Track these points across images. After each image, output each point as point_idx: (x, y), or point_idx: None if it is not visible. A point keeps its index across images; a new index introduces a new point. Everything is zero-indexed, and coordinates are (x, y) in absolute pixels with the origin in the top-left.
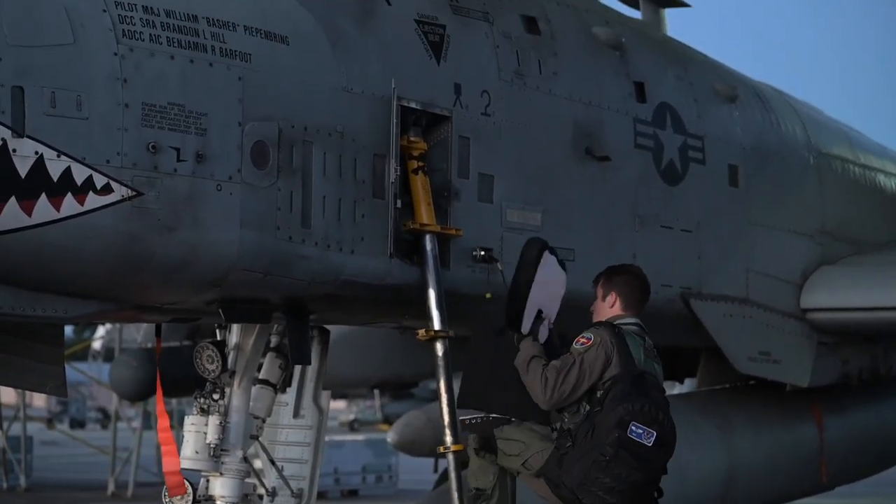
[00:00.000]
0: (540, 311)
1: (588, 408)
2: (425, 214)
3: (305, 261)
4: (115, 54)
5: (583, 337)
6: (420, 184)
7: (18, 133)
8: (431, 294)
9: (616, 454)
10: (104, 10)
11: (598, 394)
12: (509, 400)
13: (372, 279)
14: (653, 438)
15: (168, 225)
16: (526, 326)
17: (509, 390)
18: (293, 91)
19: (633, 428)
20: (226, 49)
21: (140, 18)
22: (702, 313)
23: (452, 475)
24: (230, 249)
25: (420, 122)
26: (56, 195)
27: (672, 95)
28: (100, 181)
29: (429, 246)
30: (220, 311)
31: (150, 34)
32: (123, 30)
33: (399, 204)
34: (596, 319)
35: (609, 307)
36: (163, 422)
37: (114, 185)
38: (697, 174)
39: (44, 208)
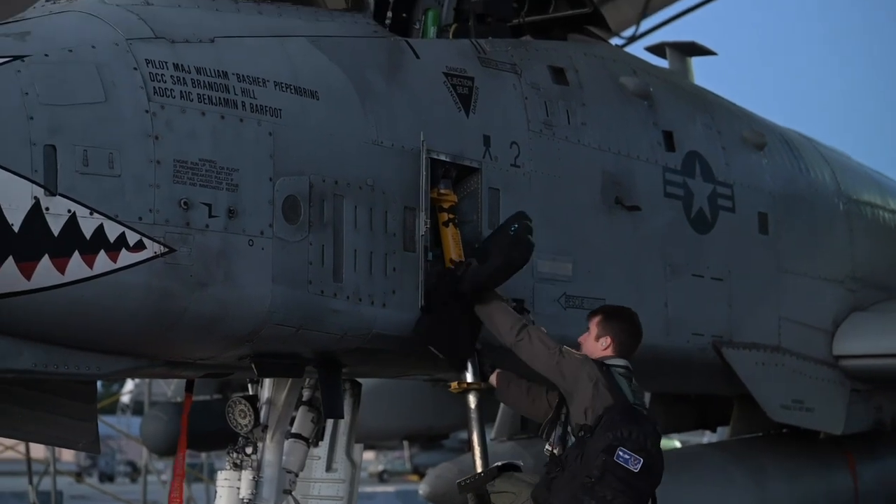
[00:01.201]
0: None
1: (579, 436)
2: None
3: (337, 314)
4: (147, 112)
5: (577, 352)
6: (451, 236)
7: (51, 191)
8: None
9: (602, 477)
10: (135, 68)
11: (590, 422)
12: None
13: (404, 332)
14: (640, 465)
15: (200, 281)
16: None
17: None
18: (323, 145)
19: (621, 453)
20: (256, 105)
21: (171, 76)
22: (734, 362)
23: None
24: (262, 304)
25: (450, 174)
26: (89, 253)
27: (701, 144)
28: (132, 238)
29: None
30: (253, 365)
31: (181, 91)
32: (154, 87)
33: (430, 256)
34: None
35: (602, 349)
36: (177, 484)
37: (146, 241)
38: (727, 222)
39: (77, 266)
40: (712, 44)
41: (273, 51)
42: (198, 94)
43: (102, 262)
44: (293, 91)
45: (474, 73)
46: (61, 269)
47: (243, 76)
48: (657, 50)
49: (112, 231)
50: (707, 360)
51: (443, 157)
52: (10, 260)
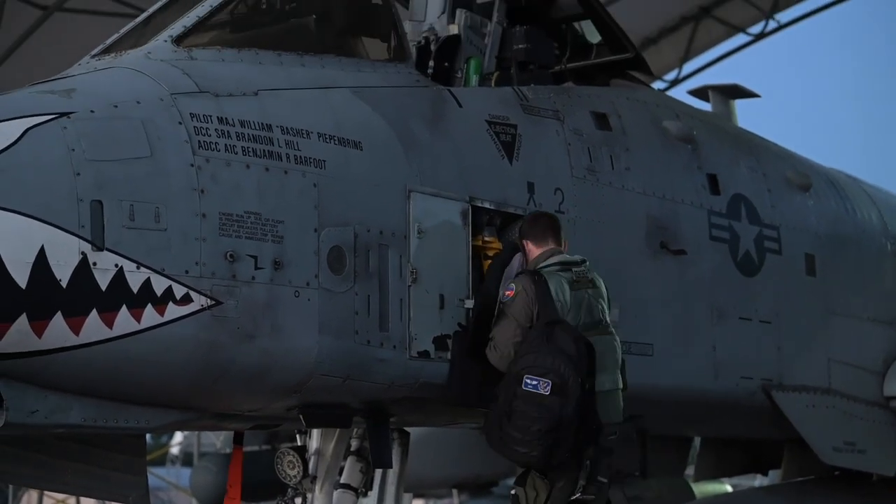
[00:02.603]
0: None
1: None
2: None
3: (384, 364)
4: (192, 165)
5: (507, 289)
6: None
7: (98, 247)
8: None
9: (513, 406)
10: (180, 123)
11: None
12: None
13: None
14: (549, 387)
15: (247, 333)
16: None
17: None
18: (367, 195)
19: (528, 380)
20: (300, 156)
21: (215, 129)
22: (784, 405)
23: None
24: (309, 356)
25: (494, 221)
26: (136, 307)
27: (746, 186)
28: (179, 291)
29: None
30: (301, 416)
31: (226, 144)
32: (199, 141)
33: (473, 304)
34: (530, 267)
35: (532, 257)
36: None
37: (193, 294)
38: (774, 264)
39: (125, 320)
40: (755, 84)
41: (316, 102)
42: (242, 146)
43: (150, 315)
44: (337, 142)
45: (517, 121)
46: (109, 324)
47: (287, 128)
48: (700, 93)
49: (159, 285)
50: (757, 404)
51: (487, 205)
52: (59, 315)
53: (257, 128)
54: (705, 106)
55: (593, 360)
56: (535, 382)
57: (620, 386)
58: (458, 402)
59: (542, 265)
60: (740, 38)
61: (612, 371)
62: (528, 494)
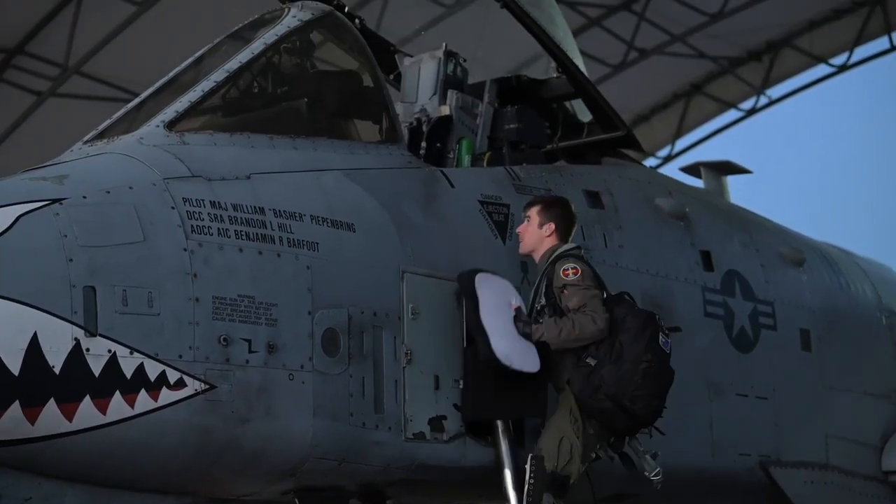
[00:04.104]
0: (517, 309)
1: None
2: None
3: (380, 446)
4: (185, 250)
5: (570, 269)
6: None
7: (91, 332)
8: (508, 475)
9: (655, 362)
10: (172, 207)
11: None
12: (512, 402)
13: (447, 462)
14: (669, 345)
15: (242, 417)
16: (503, 339)
17: (510, 396)
18: (361, 277)
19: (662, 338)
20: (293, 239)
21: (208, 213)
22: (783, 481)
23: None
24: (304, 439)
25: None
26: (130, 392)
27: (739, 262)
28: (173, 376)
29: (501, 426)
30: (296, 499)
31: (219, 228)
32: (192, 225)
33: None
34: (528, 242)
35: (546, 235)
36: None
37: (186, 379)
38: (769, 340)
39: (118, 406)
40: (747, 159)
41: (309, 185)
42: (235, 230)
43: (144, 401)
44: (330, 224)
45: (510, 200)
46: (103, 410)
47: (280, 211)
48: (692, 170)
49: (152, 370)
50: (755, 481)
51: None
52: (52, 402)
53: (250, 211)
54: (697, 183)
55: None
56: (665, 340)
57: None
58: (475, 417)
59: (565, 250)
60: (732, 114)
61: None
62: (562, 456)
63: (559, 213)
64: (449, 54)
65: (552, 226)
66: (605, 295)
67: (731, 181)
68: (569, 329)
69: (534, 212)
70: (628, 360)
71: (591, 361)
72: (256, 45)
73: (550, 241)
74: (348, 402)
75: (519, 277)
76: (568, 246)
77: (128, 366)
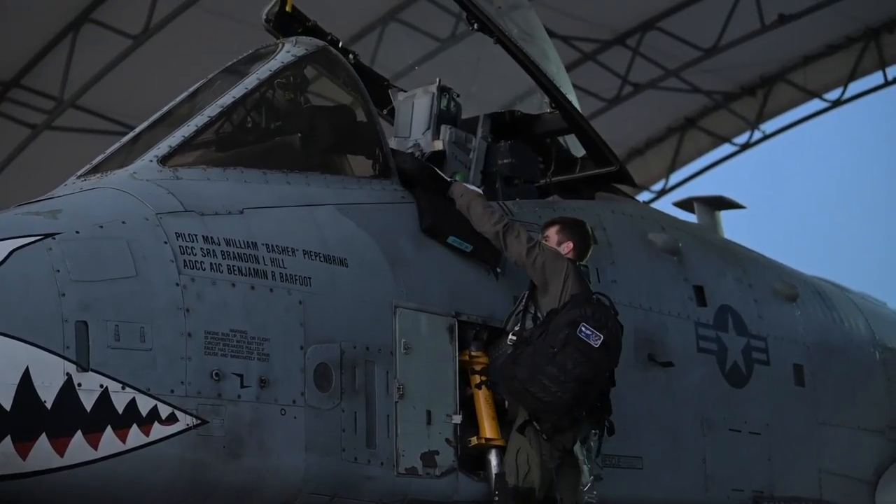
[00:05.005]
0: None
1: (545, 317)
2: (489, 429)
3: (372, 481)
4: (177, 284)
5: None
6: (483, 398)
7: (83, 367)
8: None
9: (563, 348)
10: (165, 242)
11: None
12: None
13: (439, 497)
14: (600, 341)
15: (233, 452)
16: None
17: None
18: (353, 312)
19: (583, 328)
20: (286, 274)
21: (201, 248)
22: None
23: None
24: (296, 474)
25: (481, 336)
26: (122, 427)
27: (732, 297)
28: (164, 411)
29: (494, 461)
30: None
31: (211, 263)
32: (185, 260)
33: (460, 420)
34: None
35: (564, 253)
36: None
37: (178, 414)
38: (763, 375)
39: (110, 441)
40: (742, 193)
41: (302, 220)
42: (227, 265)
43: (135, 436)
44: (322, 259)
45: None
46: (94, 445)
47: (272, 246)
48: (686, 205)
49: (144, 405)
50: None
51: (473, 320)
52: (44, 437)
53: (243, 246)
54: (691, 218)
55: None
56: (588, 332)
57: None
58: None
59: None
60: (726, 149)
61: None
62: (520, 469)
63: (579, 233)
64: (442, 89)
65: (570, 244)
66: (579, 290)
67: (725, 216)
68: (476, 211)
69: (552, 231)
70: (542, 343)
71: (512, 339)
72: (250, 80)
73: (571, 256)
74: (340, 436)
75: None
76: (579, 263)
77: (119, 401)
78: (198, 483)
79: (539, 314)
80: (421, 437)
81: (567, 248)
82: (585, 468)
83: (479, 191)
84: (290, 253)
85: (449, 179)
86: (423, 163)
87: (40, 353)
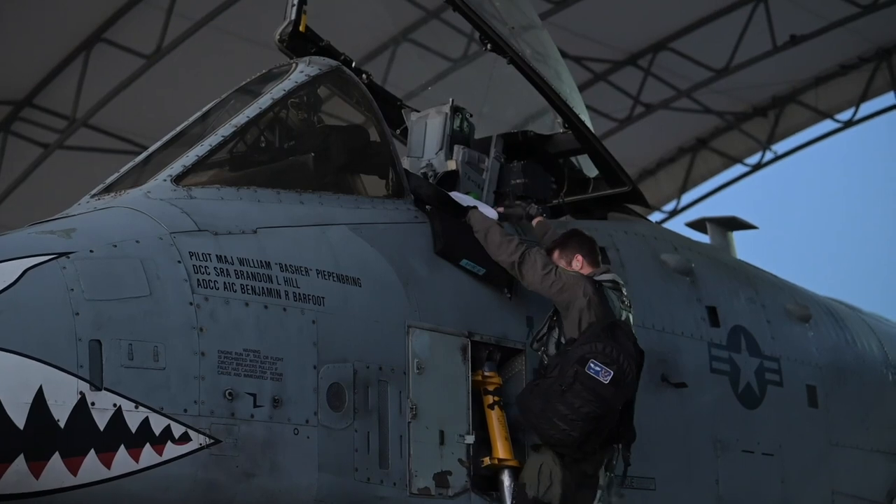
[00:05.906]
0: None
1: (563, 348)
2: (502, 449)
3: (384, 502)
4: (191, 304)
5: (572, 270)
6: (496, 418)
7: (97, 386)
8: None
9: (571, 386)
10: (179, 261)
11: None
12: (480, 255)
13: None
14: (609, 377)
15: (246, 471)
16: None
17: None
18: (367, 331)
19: (592, 365)
20: (299, 294)
21: (214, 268)
22: None
23: None
24: (309, 494)
25: (494, 356)
26: (135, 446)
27: (745, 318)
28: (178, 430)
29: (507, 481)
30: None
31: (225, 282)
32: (198, 279)
33: (473, 440)
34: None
35: (578, 269)
36: None
37: (191, 433)
38: (776, 396)
39: (123, 460)
40: (753, 213)
41: (315, 239)
42: (241, 284)
43: (148, 455)
44: (335, 279)
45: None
46: (107, 464)
47: (286, 265)
48: (698, 226)
49: (157, 424)
50: None
51: (486, 340)
52: (57, 456)
53: (256, 265)
54: (703, 238)
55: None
56: (598, 369)
57: None
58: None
59: (596, 278)
60: (738, 169)
61: None
62: (542, 483)
63: (576, 242)
64: (455, 109)
65: (579, 257)
66: (597, 319)
67: (737, 236)
68: (492, 240)
69: (555, 256)
70: (554, 379)
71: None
72: (264, 100)
73: (586, 272)
74: (353, 456)
75: (525, 332)
76: (606, 277)
77: (133, 420)
78: (211, 503)
79: (563, 338)
80: (434, 457)
81: (578, 262)
82: (598, 493)
83: (496, 218)
84: (304, 272)
85: (465, 206)
86: (439, 189)
87: (54, 372)
